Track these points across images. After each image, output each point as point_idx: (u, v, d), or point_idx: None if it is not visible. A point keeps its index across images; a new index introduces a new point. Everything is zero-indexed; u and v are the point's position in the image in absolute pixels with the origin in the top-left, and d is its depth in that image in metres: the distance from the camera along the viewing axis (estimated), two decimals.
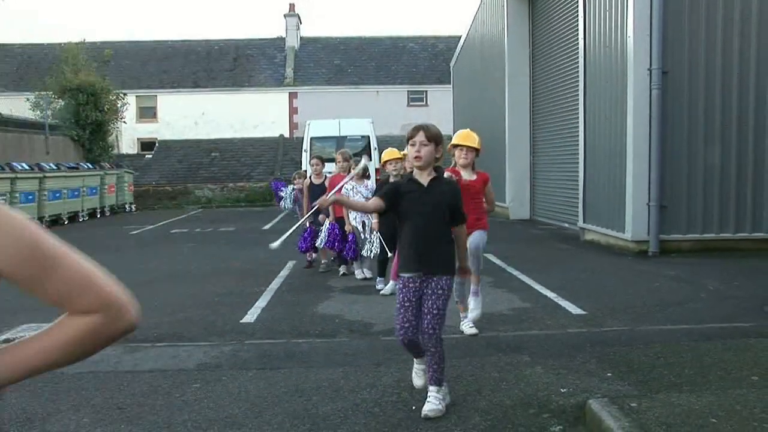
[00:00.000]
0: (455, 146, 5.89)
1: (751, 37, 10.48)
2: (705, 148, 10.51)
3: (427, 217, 4.05)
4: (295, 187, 10.76)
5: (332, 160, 10.00)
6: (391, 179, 6.98)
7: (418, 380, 4.37)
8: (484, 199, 5.99)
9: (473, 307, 6.04)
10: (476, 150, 5.91)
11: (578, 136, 13.06)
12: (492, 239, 12.68)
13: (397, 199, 4.07)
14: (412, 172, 6.78)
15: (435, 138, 4.09)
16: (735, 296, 7.45)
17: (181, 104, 35.94)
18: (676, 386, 4.42)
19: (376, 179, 11.18)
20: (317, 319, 6.75)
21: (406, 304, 4.02)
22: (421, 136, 4.06)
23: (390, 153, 7.54)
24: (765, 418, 3.68)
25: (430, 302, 4.01)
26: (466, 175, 5.77)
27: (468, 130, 6.13)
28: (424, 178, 4.10)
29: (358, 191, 8.44)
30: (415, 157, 4.04)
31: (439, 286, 4.03)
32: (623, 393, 4.34)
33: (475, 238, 5.75)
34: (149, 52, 38.81)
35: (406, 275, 4.05)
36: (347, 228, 8.65)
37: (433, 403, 4.08)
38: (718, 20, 10.43)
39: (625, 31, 10.78)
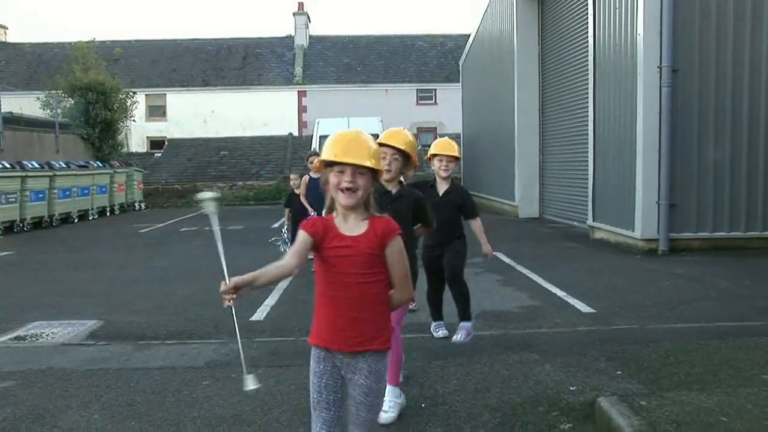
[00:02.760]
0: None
1: (762, 34, 10.42)
2: (715, 146, 10.46)
3: None
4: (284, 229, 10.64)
5: None
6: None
7: None
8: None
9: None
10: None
11: (588, 134, 13.02)
12: (501, 238, 12.70)
13: None
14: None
15: None
16: (746, 295, 7.41)
17: (190, 103, 36.02)
18: (686, 385, 4.40)
19: None
20: None
21: None
22: None
23: None
24: None
25: None
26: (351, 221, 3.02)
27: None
28: None
29: None
30: None
31: None
32: (633, 391, 4.32)
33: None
34: (158, 51, 38.91)
35: None
36: None
37: None
38: (729, 17, 10.37)
39: (635, 29, 10.74)
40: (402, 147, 4.08)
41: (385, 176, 3.95)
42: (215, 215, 2.82)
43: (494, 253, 10.71)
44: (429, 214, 4.31)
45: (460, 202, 5.49)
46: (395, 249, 2.78)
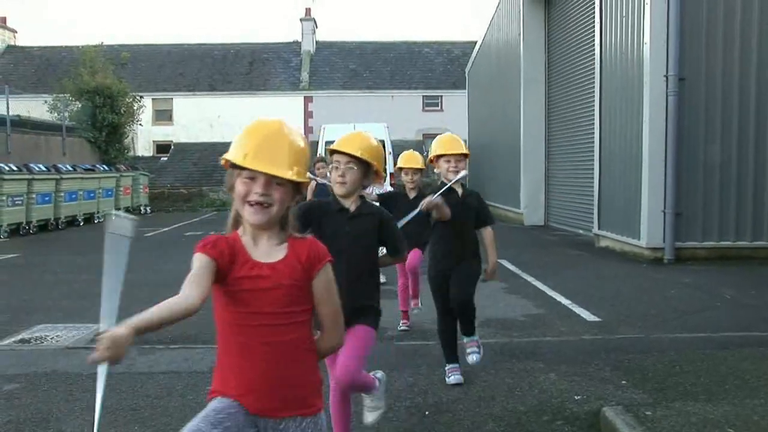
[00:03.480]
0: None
1: None
2: (721, 155, 10.43)
3: None
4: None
5: None
6: (408, 192, 6.05)
7: None
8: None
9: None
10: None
11: (594, 142, 13.00)
12: (506, 245, 12.68)
13: None
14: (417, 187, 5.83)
15: None
16: (752, 305, 7.38)
17: (196, 107, 36.09)
18: (692, 395, 4.38)
19: (391, 183, 10.93)
20: None
21: None
22: None
23: (408, 158, 6.15)
24: None
25: None
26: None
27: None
28: None
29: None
30: None
31: None
32: (638, 401, 4.31)
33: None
34: (165, 55, 39.04)
35: None
36: None
37: None
38: (735, 26, 10.35)
39: (641, 37, 10.73)
40: (357, 154, 3.26)
41: (338, 190, 3.30)
42: (125, 240, 2.02)
43: (499, 260, 10.69)
44: (398, 241, 3.44)
45: (477, 206, 4.67)
46: (324, 280, 2.14)
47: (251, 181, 2.01)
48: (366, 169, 3.30)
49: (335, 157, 3.32)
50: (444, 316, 4.75)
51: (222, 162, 2.10)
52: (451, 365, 4.84)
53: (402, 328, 6.41)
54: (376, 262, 3.41)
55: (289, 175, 2.01)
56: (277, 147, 2.02)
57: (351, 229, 3.25)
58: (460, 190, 4.64)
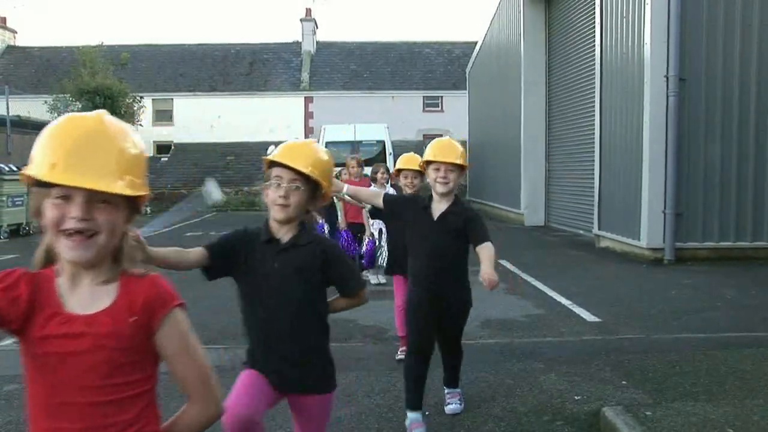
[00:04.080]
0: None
1: None
2: (722, 156, 10.43)
3: None
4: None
5: (342, 164, 9.80)
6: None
7: None
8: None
9: None
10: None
11: (594, 142, 13.00)
12: (507, 245, 12.67)
13: None
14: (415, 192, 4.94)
15: None
16: (752, 305, 7.38)
17: (197, 108, 36.09)
18: (692, 395, 4.38)
19: (392, 184, 10.84)
20: (331, 323, 6.68)
21: None
22: None
23: (408, 160, 5.20)
24: None
25: None
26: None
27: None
28: None
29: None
30: None
31: None
32: (638, 401, 4.31)
33: None
34: (166, 56, 39.03)
35: None
36: (366, 234, 8.40)
37: None
38: (736, 27, 10.36)
39: (642, 38, 10.73)
40: (306, 171, 2.52)
41: (277, 215, 2.58)
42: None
43: (500, 260, 10.74)
44: (350, 277, 2.73)
45: (461, 227, 3.72)
46: (175, 332, 1.55)
47: (65, 202, 1.43)
48: (314, 190, 2.57)
49: (276, 171, 2.57)
50: (418, 351, 3.92)
51: (21, 178, 1.51)
52: (413, 415, 3.95)
53: (399, 356, 5.42)
54: (320, 309, 2.70)
55: (119, 187, 1.43)
56: (97, 151, 1.43)
57: (280, 265, 2.54)
58: (441, 208, 3.81)
